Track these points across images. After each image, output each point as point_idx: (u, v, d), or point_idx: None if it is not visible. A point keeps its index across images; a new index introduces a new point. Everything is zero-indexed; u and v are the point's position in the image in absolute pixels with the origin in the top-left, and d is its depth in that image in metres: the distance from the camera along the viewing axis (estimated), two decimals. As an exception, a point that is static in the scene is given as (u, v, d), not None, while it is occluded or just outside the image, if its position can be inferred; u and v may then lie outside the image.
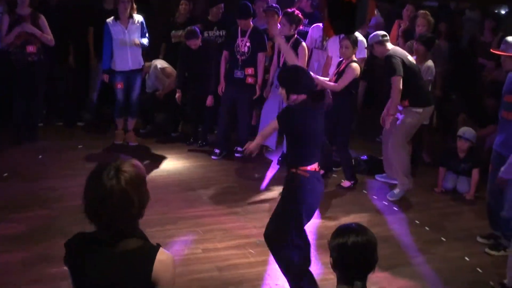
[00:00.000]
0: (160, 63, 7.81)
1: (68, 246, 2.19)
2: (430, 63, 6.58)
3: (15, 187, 6.03)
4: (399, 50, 6.14)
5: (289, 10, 6.86)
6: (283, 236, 3.98)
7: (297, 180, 3.90)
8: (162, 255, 2.15)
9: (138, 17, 7.23)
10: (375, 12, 8.49)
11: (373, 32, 8.29)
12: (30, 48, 7.04)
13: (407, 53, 6.17)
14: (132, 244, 2.13)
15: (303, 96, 3.85)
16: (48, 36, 7.13)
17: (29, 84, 7.18)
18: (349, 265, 2.30)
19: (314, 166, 3.92)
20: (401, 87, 5.86)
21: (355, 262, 2.29)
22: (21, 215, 5.39)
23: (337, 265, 2.34)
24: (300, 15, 6.83)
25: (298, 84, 3.87)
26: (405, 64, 5.93)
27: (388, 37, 6.22)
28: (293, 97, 3.87)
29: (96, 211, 2.08)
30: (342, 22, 5.97)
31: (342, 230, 2.37)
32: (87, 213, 2.11)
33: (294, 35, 6.76)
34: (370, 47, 6.31)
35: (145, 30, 7.29)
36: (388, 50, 6.07)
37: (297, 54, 6.71)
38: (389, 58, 5.95)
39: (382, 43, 6.11)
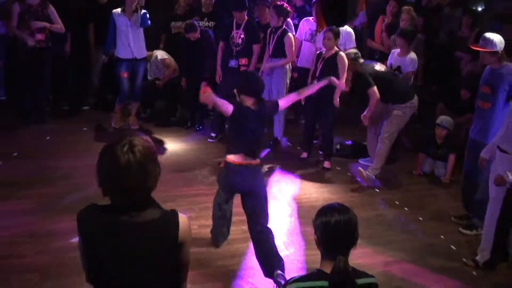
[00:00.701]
0: (160, 54, 7.74)
1: (82, 216, 2.11)
2: (413, 55, 6.54)
3: (25, 166, 6.01)
4: (364, 65, 6.26)
5: (278, 3, 6.86)
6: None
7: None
8: (182, 218, 2.17)
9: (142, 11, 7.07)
10: (364, 7, 8.47)
11: (359, 27, 8.26)
12: (39, 36, 6.94)
13: (374, 64, 6.31)
14: (152, 214, 2.11)
15: (251, 99, 4.05)
16: (58, 25, 7.05)
17: (37, 70, 7.10)
18: (332, 242, 2.30)
19: (236, 158, 4.05)
20: (378, 95, 5.99)
21: (337, 239, 2.29)
22: (30, 192, 5.38)
23: (321, 242, 2.34)
24: (288, 8, 6.87)
25: (247, 88, 4.11)
26: (373, 75, 6.06)
27: (359, 54, 6.37)
28: (241, 97, 4.10)
29: (114, 185, 2.04)
30: (334, 15, 5.98)
31: (326, 210, 2.36)
32: (102, 187, 2.07)
33: (282, 26, 6.83)
34: None
35: (146, 17, 7.04)
36: (361, 65, 6.21)
37: (284, 44, 6.73)
38: (360, 75, 6.11)
39: (355, 59, 6.23)
